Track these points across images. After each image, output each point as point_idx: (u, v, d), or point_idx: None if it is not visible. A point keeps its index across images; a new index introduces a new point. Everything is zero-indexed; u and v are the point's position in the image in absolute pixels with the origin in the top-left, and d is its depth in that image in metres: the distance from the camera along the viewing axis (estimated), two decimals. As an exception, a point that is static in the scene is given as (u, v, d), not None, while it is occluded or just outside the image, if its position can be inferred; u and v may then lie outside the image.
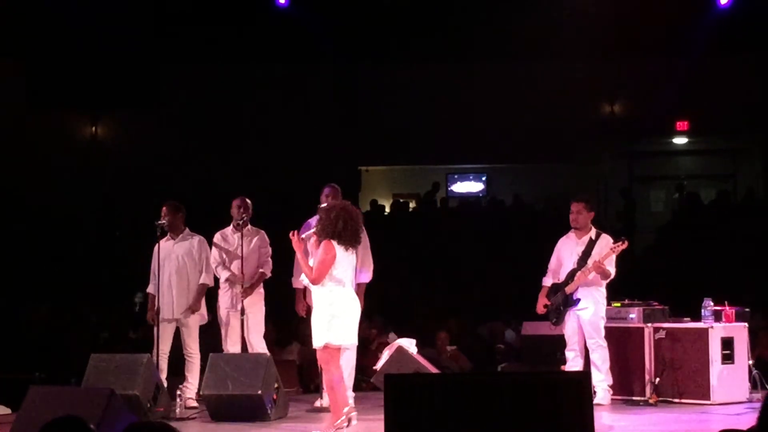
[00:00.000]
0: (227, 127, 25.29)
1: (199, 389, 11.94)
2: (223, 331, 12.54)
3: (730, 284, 15.19)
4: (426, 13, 24.10)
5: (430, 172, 27.36)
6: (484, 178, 27.78)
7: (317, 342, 10.11)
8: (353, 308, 10.14)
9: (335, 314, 9.99)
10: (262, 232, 12.57)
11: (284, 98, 25.42)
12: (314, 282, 10.02)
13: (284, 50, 24.60)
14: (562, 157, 25.76)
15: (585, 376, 6.69)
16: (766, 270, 17.65)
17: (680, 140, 27.00)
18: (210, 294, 12.81)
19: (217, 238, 12.58)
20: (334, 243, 9.95)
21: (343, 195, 12.30)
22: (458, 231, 21.85)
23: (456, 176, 27.78)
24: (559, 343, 12.55)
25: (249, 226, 12.51)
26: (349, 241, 10.04)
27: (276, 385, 11.23)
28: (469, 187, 27.77)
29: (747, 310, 12.28)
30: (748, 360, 11.92)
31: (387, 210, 24.74)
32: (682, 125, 26.14)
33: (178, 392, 11.67)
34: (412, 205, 25.54)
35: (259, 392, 10.98)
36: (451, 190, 27.38)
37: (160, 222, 12.38)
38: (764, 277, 17.14)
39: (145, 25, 23.19)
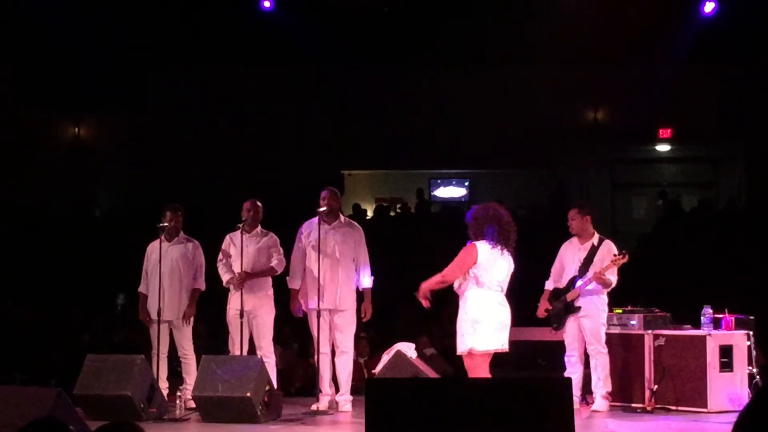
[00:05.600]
0: (210, 130, 25.26)
1: None
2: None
3: (712, 292, 15.20)
4: (409, 19, 24.11)
5: (413, 176, 27.40)
6: (466, 184, 27.81)
7: (461, 347, 9.79)
8: (500, 312, 9.80)
9: (480, 319, 9.66)
10: (273, 234, 12.53)
11: (267, 102, 25.41)
12: (444, 279, 9.73)
13: (268, 54, 24.60)
14: (545, 163, 25.81)
15: (566, 381, 6.68)
16: (747, 278, 17.68)
17: (663, 147, 27.06)
18: (219, 297, 12.77)
19: (225, 240, 12.57)
20: (482, 246, 9.69)
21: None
22: (440, 236, 21.83)
23: (439, 181, 27.80)
24: (541, 349, 12.55)
25: (259, 228, 12.49)
26: (504, 242, 9.74)
27: (267, 388, 11.23)
28: (451, 192, 27.79)
29: (751, 318, 12.21)
30: (750, 368, 11.86)
31: (369, 214, 24.72)
32: (664, 133, 26.22)
33: (178, 393, 11.68)
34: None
35: (248, 394, 10.98)
36: (434, 195, 27.39)
37: (163, 224, 12.38)
38: (745, 286, 17.16)
39: (130, 28, 23.14)
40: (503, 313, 9.83)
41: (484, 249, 9.65)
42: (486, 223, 9.72)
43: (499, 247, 9.70)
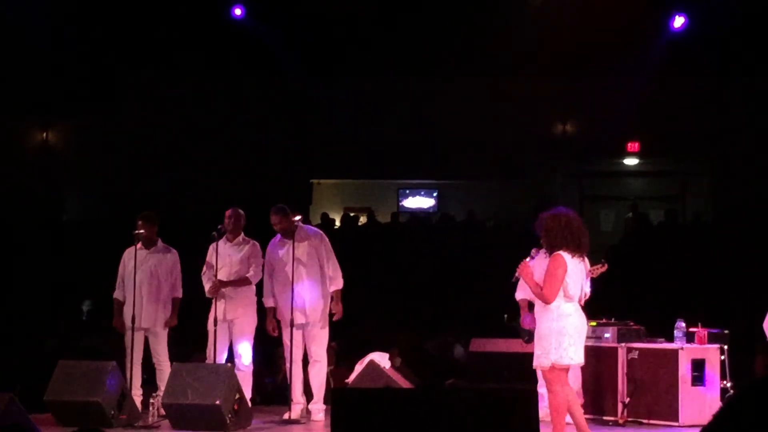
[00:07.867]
0: (179, 137, 25.18)
1: None
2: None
3: (677, 305, 15.26)
4: (380, 27, 24.14)
5: (381, 186, 27.40)
6: (435, 194, 27.82)
7: (544, 361, 9.39)
8: (582, 324, 9.46)
9: (564, 331, 9.28)
10: (255, 243, 12.47)
11: (236, 109, 25.36)
12: (548, 301, 9.27)
13: (237, 61, 24.56)
14: (514, 175, 25.88)
15: (531, 393, 6.69)
16: (711, 292, 17.75)
17: (631, 161, 27.19)
18: (187, 305, 12.71)
19: (209, 251, 12.48)
20: (565, 254, 9.33)
21: (294, 208, 12.29)
22: (409, 246, 21.84)
23: (407, 191, 27.81)
24: (507, 360, 12.54)
25: (242, 236, 12.43)
26: (578, 249, 9.38)
27: (237, 396, 11.21)
28: (420, 202, 27.80)
29: (726, 332, 12.20)
30: (723, 382, 11.85)
31: (337, 224, 24.70)
32: (633, 146, 26.35)
33: (151, 400, 11.63)
34: (362, 219, 25.52)
35: (217, 402, 10.96)
36: (402, 206, 27.40)
37: (137, 232, 12.33)
38: (710, 299, 17.24)
39: (100, 31, 23.04)
40: (583, 324, 9.55)
41: (567, 258, 9.33)
42: (561, 233, 9.39)
43: (576, 255, 9.42)
